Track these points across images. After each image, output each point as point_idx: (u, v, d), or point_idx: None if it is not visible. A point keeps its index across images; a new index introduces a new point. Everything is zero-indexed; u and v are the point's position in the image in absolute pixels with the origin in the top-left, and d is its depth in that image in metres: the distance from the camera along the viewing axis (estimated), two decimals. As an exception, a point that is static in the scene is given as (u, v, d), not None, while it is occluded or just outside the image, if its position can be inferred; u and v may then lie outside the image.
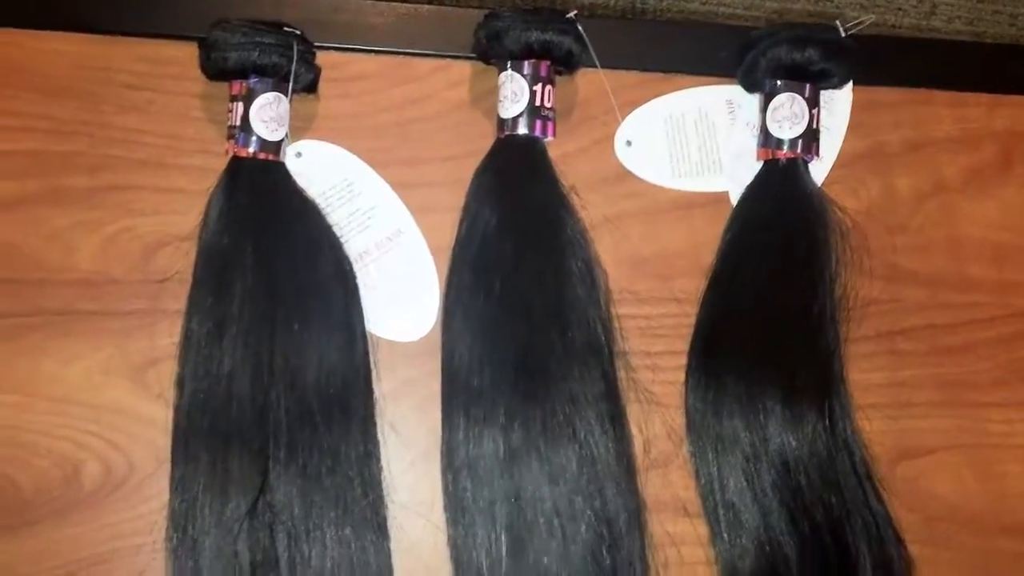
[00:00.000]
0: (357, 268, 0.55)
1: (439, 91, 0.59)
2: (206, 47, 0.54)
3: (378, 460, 0.53)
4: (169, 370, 0.53)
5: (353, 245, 0.56)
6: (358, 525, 0.51)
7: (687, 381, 0.57)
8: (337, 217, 0.56)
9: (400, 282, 0.56)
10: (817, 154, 0.58)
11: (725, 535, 0.55)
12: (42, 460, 0.52)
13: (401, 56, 0.58)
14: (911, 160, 0.61)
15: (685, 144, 0.59)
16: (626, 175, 0.59)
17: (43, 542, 0.51)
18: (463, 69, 0.59)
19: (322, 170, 0.56)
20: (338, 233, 0.55)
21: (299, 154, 0.56)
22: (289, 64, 0.54)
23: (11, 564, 0.50)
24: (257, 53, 0.53)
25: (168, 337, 0.54)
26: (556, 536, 0.53)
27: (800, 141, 0.57)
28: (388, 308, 0.56)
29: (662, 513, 0.55)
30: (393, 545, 0.53)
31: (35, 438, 0.52)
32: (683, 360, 0.57)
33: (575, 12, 0.57)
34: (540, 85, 0.56)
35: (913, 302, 0.59)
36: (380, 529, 0.52)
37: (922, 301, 0.59)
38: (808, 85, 0.57)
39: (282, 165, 0.56)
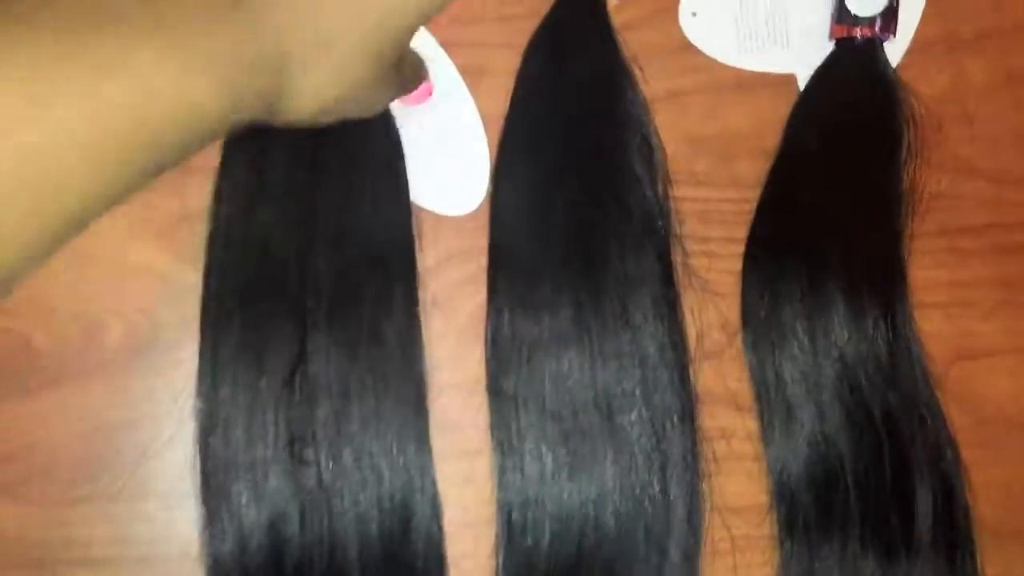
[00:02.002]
0: (401, 129, 0.51)
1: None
2: None
3: (419, 335, 0.50)
4: (199, 231, 0.49)
5: (396, 104, 0.52)
6: (397, 401, 0.49)
7: (744, 270, 0.54)
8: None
9: (448, 150, 0.52)
10: (894, 34, 0.54)
11: (777, 430, 0.52)
12: (59, 319, 0.48)
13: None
14: (984, 48, 0.57)
15: (754, 19, 0.56)
16: (689, 48, 0.55)
17: (61, 405, 0.48)
18: (521, -78, 0.54)
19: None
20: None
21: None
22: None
23: (28, 427, 0.47)
24: None
25: (198, 195, 0.50)
26: (603, 424, 0.50)
27: (879, 19, 0.54)
28: (434, 177, 0.52)
29: (713, 406, 0.53)
30: (432, 424, 0.50)
31: (52, 296, 0.48)
32: (740, 248, 0.54)
33: None
34: (609, -58, 0.51)
35: (977, 198, 0.56)
36: (419, 407, 0.49)
37: (987, 198, 0.56)
38: (892, -43, 0.53)
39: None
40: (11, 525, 0.47)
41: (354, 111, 0.38)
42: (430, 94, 0.49)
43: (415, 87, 0.47)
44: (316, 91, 0.34)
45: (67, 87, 0.26)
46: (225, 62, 0.30)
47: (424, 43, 0.52)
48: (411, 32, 0.37)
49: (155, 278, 0.49)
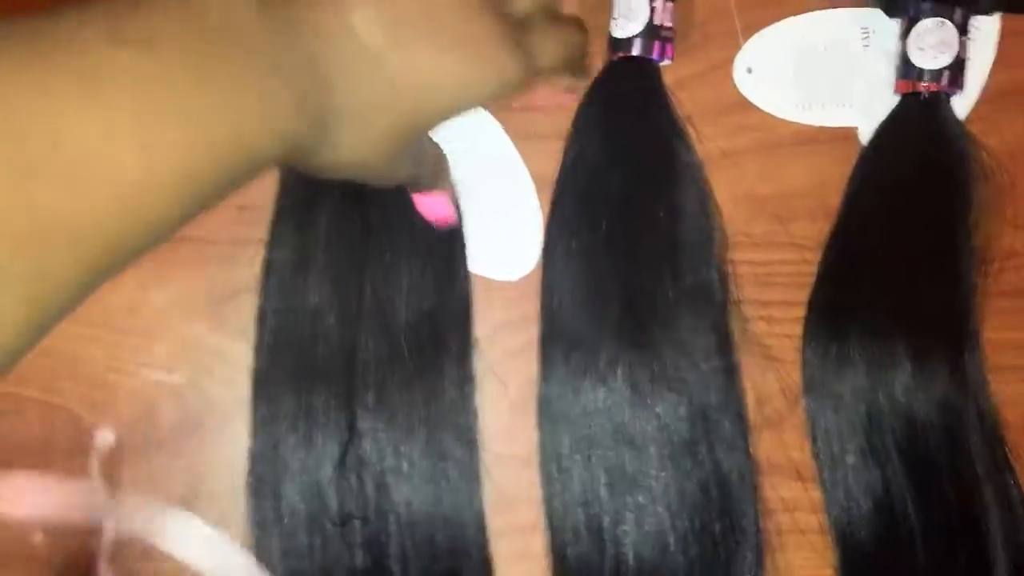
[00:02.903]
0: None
1: (541, 6, 0.53)
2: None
3: (473, 408, 0.49)
4: (250, 304, 0.49)
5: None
6: (451, 476, 0.48)
7: (805, 334, 0.52)
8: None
9: (499, 215, 0.51)
10: (962, 87, 0.52)
11: (843, 501, 0.50)
12: (114, 397, 0.48)
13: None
14: (1060, 98, 0.54)
15: (812, 73, 0.54)
16: (745, 105, 0.53)
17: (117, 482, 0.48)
18: (571, -18, 0.54)
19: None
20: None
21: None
22: None
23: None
24: None
25: (249, 268, 0.50)
26: (661, 496, 0.49)
27: (946, 72, 0.51)
28: (485, 243, 0.51)
29: (774, 476, 0.51)
30: (485, 497, 0.49)
31: (106, 373, 0.49)
32: (800, 312, 0.52)
33: (701, -80, 0.51)
34: (659, 1, 0.50)
35: (1055, 257, 0.54)
36: (474, 481, 0.49)
37: (1065, 256, 0.54)
38: (959, 9, 0.51)
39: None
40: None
41: (374, 178, 0.38)
42: (448, 223, 0.48)
43: (433, 182, 0.46)
44: (349, 150, 0.34)
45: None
46: (281, 105, 0.30)
47: (478, 111, 0.51)
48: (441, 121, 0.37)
49: (207, 353, 0.49)
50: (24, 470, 0.48)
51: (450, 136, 0.50)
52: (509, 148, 0.52)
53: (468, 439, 0.49)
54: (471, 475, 0.49)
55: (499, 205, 0.52)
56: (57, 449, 0.48)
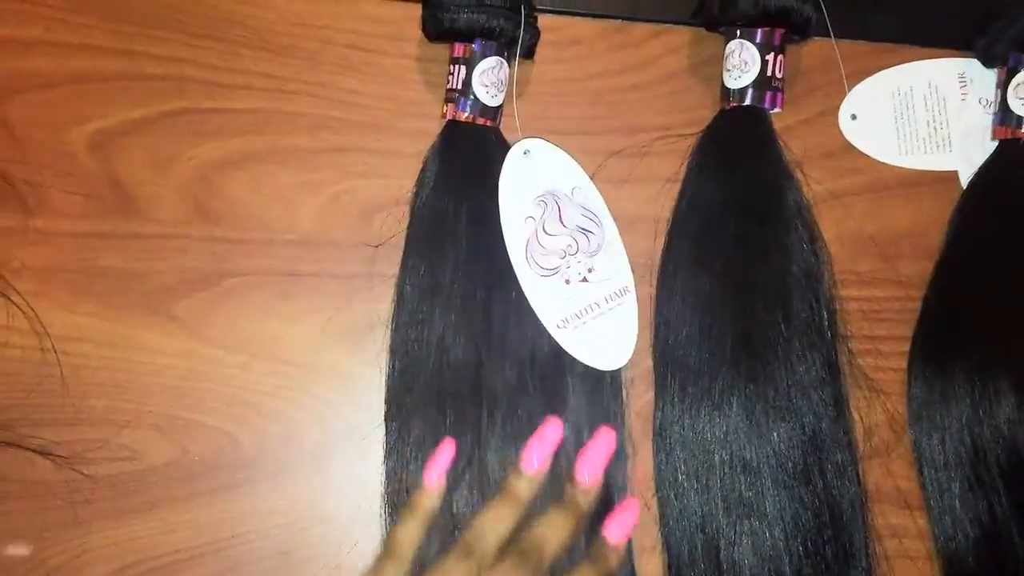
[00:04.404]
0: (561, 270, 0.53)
1: (656, 58, 0.57)
2: (432, 7, 0.52)
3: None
4: (384, 335, 0.53)
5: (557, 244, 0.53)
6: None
7: (911, 368, 0.54)
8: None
9: (603, 314, 0.53)
10: (1060, 134, 0.55)
11: (949, 529, 0.52)
12: (263, 419, 0.52)
13: (618, 21, 0.57)
14: None
15: (913, 120, 0.57)
16: (850, 150, 0.56)
17: (263, 500, 0.51)
18: (681, 35, 0.57)
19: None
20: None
21: (527, 152, 0.54)
22: (515, 29, 0.53)
23: (231, 520, 0.51)
24: (486, 16, 0.52)
25: (386, 301, 0.53)
26: (776, 521, 0.51)
27: (1045, 120, 0.54)
28: (590, 337, 0.53)
29: (882, 504, 0.53)
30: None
31: (257, 398, 0.52)
32: (906, 346, 0.55)
33: (810, -23, 0.54)
34: (772, 54, 0.53)
35: None
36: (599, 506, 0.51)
37: None
38: (1056, 60, 0.54)
39: (498, 130, 0.54)
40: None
41: None
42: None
43: None
44: None
45: None
46: None
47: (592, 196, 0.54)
48: None
49: (344, 380, 0.53)
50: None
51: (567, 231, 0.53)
52: (621, 253, 0.54)
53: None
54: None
55: (604, 305, 0.53)
56: (215, 467, 0.51)
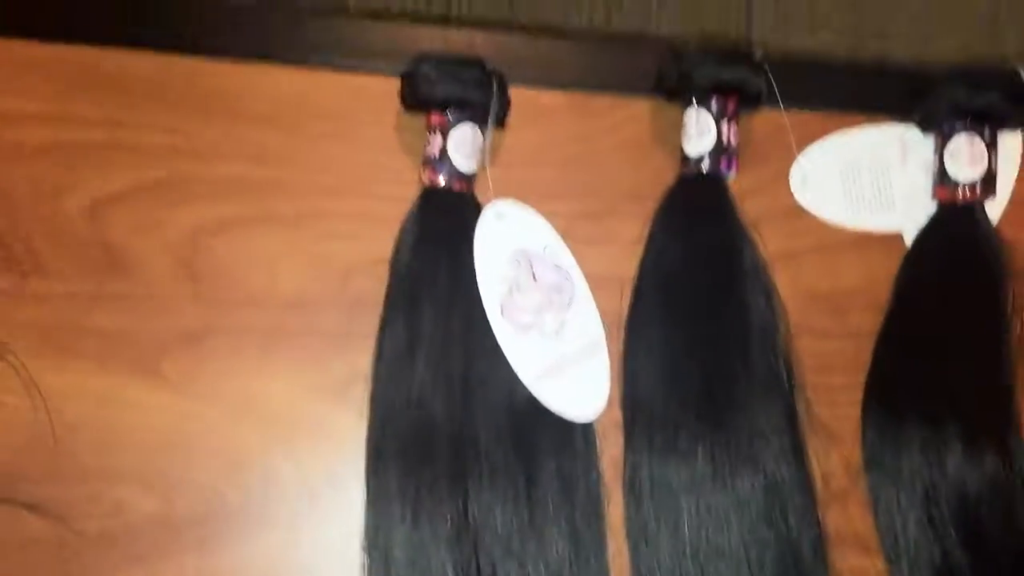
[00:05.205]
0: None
1: (619, 125, 0.60)
2: (412, 80, 0.56)
3: (574, 485, 0.54)
4: (365, 388, 0.55)
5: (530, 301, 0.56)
6: (560, 550, 0.53)
7: (864, 415, 0.58)
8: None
9: (575, 364, 0.56)
10: (995, 194, 0.59)
11: (906, 571, 0.55)
12: (247, 474, 0.54)
13: (583, 92, 0.60)
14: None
15: (859, 182, 0.61)
16: (801, 212, 0.60)
17: (247, 552, 0.53)
18: (642, 105, 0.61)
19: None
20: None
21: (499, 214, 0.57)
22: (488, 99, 0.56)
23: (217, 572, 0.52)
24: (461, 88, 0.55)
25: (366, 357, 0.55)
26: (743, 564, 0.53)
27: (979, 183, 0.58)
28: (562, 387, 0.55)
29: (842, 547, 0.56)
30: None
31: (241, 452, 0.54)
32: (859, 394, 0.58)
33: (760, 52, 0.58)
34: (726, 122, 0.57)
35: (1084, 344, 0.60)
36: (596, 553, 0.53)
37: (1093, 343, 0.60)
38: (987, 128, 0.58)
39: (473, 195, 0.57)
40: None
41: None
42: None
43: None
44: None
45: None
46: None
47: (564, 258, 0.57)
48: None
49: (326, 433, 0.55)
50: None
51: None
52: (592, 308, 0.57)
53: (576, 513, 0.53)
54: (589, 549, 0.53)
55: (577, 357, 0.56)
56: (203, 524, 0.53)
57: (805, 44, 0.72)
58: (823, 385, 0.58)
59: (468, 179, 0.57)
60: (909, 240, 0.60)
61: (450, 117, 0.56)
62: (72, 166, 0.55)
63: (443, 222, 0.57)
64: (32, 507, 0.51)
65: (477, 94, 0.56)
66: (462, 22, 0.79)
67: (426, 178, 0.57)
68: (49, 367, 0.53)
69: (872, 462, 0.57)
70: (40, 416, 0.52)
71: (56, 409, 0.52)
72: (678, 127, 0.59)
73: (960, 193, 0.59)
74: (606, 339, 0.56)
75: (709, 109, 0.57)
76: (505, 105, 0.58)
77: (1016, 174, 0.61)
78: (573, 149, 0.60)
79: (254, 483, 0.54)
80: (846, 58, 0.74)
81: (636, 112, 0.61)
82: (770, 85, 0.58)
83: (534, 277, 0.56)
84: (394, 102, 0.58)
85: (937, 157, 0.60)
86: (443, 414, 0.53)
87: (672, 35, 0.71)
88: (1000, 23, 0.80)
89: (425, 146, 0.57)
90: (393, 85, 0.57)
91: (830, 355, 0.59)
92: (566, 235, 0.57)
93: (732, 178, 0.59)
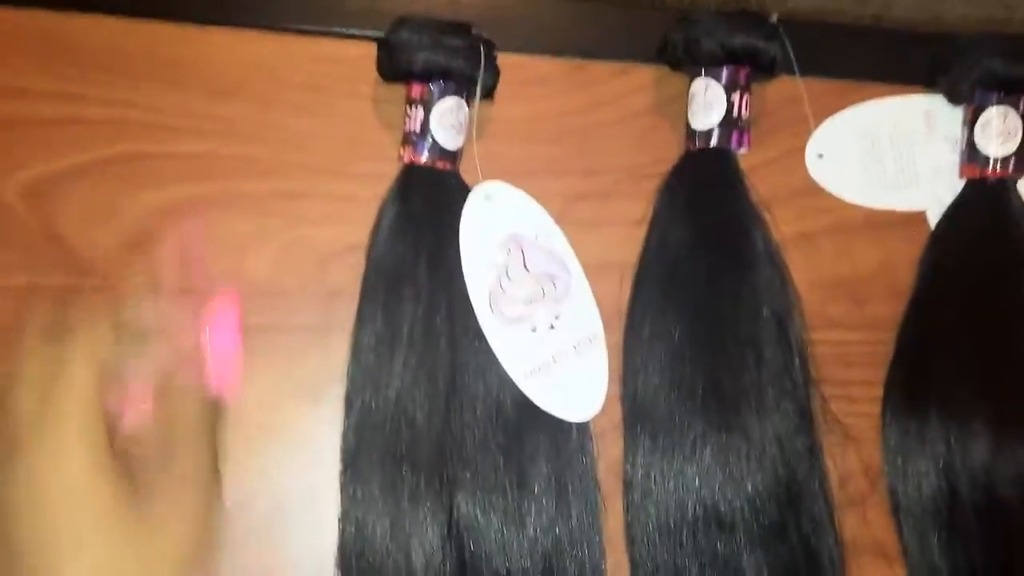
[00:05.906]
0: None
1: (619, 96, 0.55)
2: (389, 48, 0.51)
3: (566, 486, 0.50)
4: (340, 388, 0.50)
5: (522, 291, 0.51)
6: (547, 555, 0.49)
7: (884, 413, 0.53)
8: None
9: (571, 361, 0.51)
10: (1026, 172, 0.54)
11: (928, 581, 0.51)
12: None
13: (580, 59, 0.55)
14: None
15: (879, 158, 0.56)
16: (817, 189, 0.55)
17: (218, 567, 0.48)
18: (644, 74, 0.56)
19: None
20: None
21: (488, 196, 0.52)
22: (474, 69, 0.51)
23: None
24: (444, 56, 0.50)
25: (342, 354, 0.51)
26: (753, 573, 0.49)
27: (1012, 159, 0.53)
28: (557, 386, 0.51)
29: (860, 556, 0.52)
30: None
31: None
32: (878, 391, 0.54)
33: (776, 16, 0.53)
34: (738, 93, 0.52)
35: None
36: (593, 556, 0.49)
37: None
38: (1022, 100, 0.53)
39: (457, 174, 0.53)
40: None
41: None
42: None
43: None
44: None
45: None
46: None
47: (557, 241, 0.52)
48: None
49: (299, 439, 0.50)
50: None
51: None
52: (589, 299, 0.52)
53: (580, 528, 0.49)
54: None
55: (573, 353, 0.51)
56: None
57: (823, 5, 0.66)
58: (840, 380, 0.53)
59: (452, 157, 0.52)
60: (934, 220, 0.55)
61: (432, 88, 0.51)
62: (12, 143, 0.50)
63: (425, 205, 0.52)
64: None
65: (462, 63, 0.50)
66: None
67: (406, 156, 0.52)
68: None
69: (893, 463, 0.52)
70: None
71: None
72: (685, 98, 0.54)
73: (990, 169, 0.54)
74: (604, 332, 0.52)
75: (719, 79, 0.52)
76: (494, 75, 0.52)
77: (1051, 149, 0.56)
78: (569, 123, 0.55)
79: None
80: (869, 21, 0.68)
81: (639, 82, 0.55)
82: (785, 52, 0.53)
83: (525, 265, 0.51)
84: (372, 70, 0.52)
85: (966, 131, 0.55)
86: (425, 418, 0.49)
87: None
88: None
89: (404, 121, 0.52)
90: (371, 51, 0.52)
91: (848, 347, 0.54)
92: (561, 218, 0.52)
93: (743, 154, 0.54)
